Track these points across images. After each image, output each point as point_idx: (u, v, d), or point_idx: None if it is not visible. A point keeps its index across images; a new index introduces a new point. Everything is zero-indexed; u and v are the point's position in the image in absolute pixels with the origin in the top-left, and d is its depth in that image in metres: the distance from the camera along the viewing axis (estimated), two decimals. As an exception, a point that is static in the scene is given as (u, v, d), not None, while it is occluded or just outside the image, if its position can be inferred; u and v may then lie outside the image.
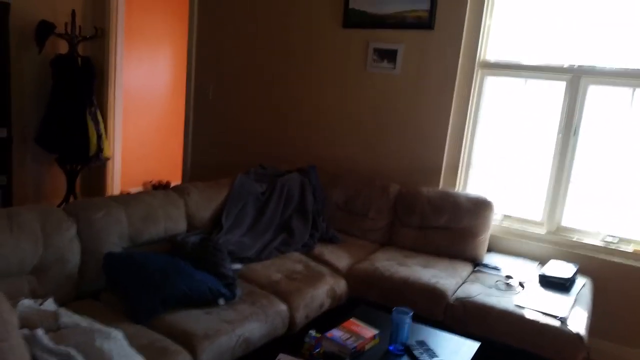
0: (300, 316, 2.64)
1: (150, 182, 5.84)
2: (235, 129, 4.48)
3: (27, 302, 1.94)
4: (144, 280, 2.30)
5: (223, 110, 4.53)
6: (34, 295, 2.17)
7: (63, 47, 4.71)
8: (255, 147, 4.39)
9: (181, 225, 2.92)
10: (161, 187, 5.81)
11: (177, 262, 2.49)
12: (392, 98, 3.75)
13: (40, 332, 1.71)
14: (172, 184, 5.90)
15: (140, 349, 1.93)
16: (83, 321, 1.92)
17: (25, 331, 1.73)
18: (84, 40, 4.74)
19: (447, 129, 3.56)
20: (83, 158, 4.72)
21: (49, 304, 2.02)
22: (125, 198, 2.74)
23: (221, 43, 4.45)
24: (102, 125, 4.79)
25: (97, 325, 1.90)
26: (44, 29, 4.50)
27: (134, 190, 5.63)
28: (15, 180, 4.39)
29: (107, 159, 4.93)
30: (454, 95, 3.52)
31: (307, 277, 2.88)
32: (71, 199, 4.87)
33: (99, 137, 4.74)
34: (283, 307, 2.57)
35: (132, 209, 2.67)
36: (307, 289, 2.76)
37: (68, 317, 1.91)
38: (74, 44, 4.63)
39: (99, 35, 4.87)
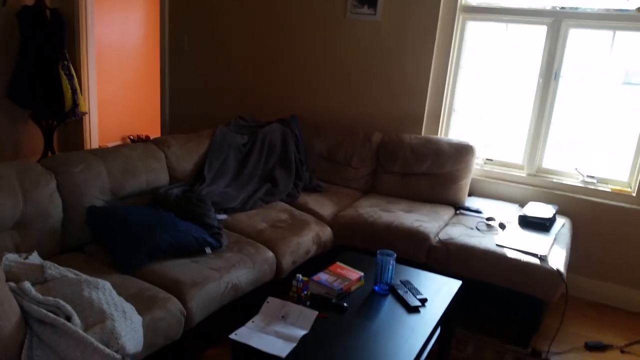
0: (287, 262, 2.68)
1: (129, 136, 5.74)
2: (214, 81, 4.38)
3: (11, 256, 1.92)
4: (128, 233, 2.29)
5: (200, 62, 4.41)
6: (17, 250, 2.15)
7: (29, -2, 4.49)
8: (234, 99, 4.31)
9: (163, 178, 2.89)
10: (140, 141, 5.70)
11: (160, 214, 2.49)
12: (373, 46, 3.68)
13: (27, 284, 1.70)
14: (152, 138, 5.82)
15: (129, 298, 1.95)
16: (69, 273, 1.92)
17: (12, 284, 1.72)
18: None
19: (429, 75, 3.53)
20: (58, 114, 4.59)
21: (34, 258, 2.01)
22: (103, 151, 2.69)
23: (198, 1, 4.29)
24: (76, 80, 4.64)
25: (84, 276, 1.90)
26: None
27: (112, 145, 5.53)
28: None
29: (84, 114, 4.81)
30: (436, 41, 3.47)
31: (292, 225, 2.91)
32: (49, 156, 4.78)
33: (74, 92, 4.60)
34: (269, 254, 2.60)
35: (111, 162, 2.62)
36: (293, 236, 2.79)
37: (54, 269, 1.90)
38: (40, -7, 4.41)
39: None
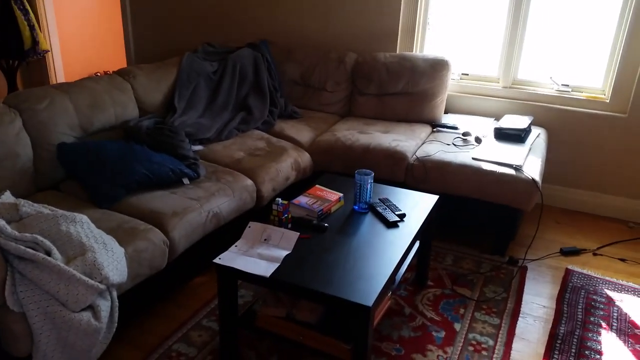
0: (267, 189, 2.68)
1: (96, 73, 5.52)
2: (179, 7, 4.16)
3: (-20, 196, 1.88)
4: (101, 167, 2.25)
5: (162, -12, 4.17)
6: (-11, 191, 2.11)
7: None
8: (200, 25, 4.12)
9: (132, 111, 2.81)
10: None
11: (133, 147, 2.44)
12: (342, -42, 3.50)
13: (1, 222, 1.68)
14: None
15: (109, 231, 1.95)
16: (45, 209, 1.90)
17: (-16, 223, 1.69)
18: None
19: (401, -12, 3.40)
20: (18, 53, 4.37)
21: (7, 197, 1.97)
22: (67, 85, 2.58)
23: None
24: (32, 16, 4.38)
25: (60, 211, 1.88)
26: None
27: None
28: (-54, 83, 4.08)
29: (46, 51, 4.58)
30: None
31: (270, 152, 2.89)
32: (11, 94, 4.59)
33: (32, 28, 4.36)
34: (249, 182, 2.60)
35: (76, 96, 2.53)
36: (271, 163, 2.77)
37: (29, 206, 1.87)
38: None
39: None
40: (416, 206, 2.26)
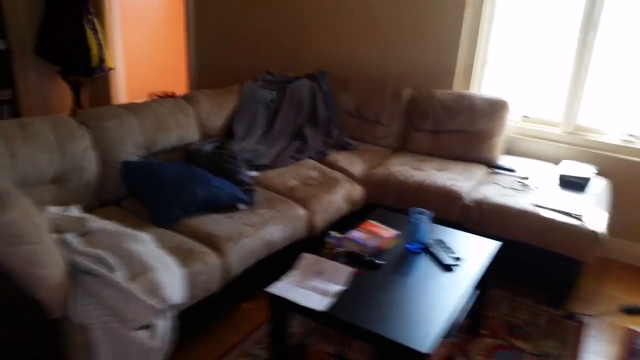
0: (319, 220, 2.68)
1: (155, 93, 5.73)
2: (239, 35, 4.29)
3: (53, 209, 1.96)
4: (163, 188, 2.31)
5: (225, 15, 4.32)
6: (56, 204, 2.18)
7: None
8: (261, 54, 4.23)
9: (193, 134, 2.88)
10: (165, 97, 5.69)
11: (193, 170, 2.49)
12: (405, -4, 3.54)
13: (70, 236, 1.73)
14: (176, 94, 5.80)
15: (167, 251, 1.98)
16: (109, 225, 1.95)
17: (56, 236, 1.75)
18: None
19: (461, 26, 3.39)
20: (86, 69, 4.59)
21: (74, 211, 2.04)
22: (134, 106, 2.68)
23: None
24: (101, 35, 4.61)
25: (125, 229, 1.92)
26: None
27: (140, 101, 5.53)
28: (20, 94, 4.31)
29: (110, 69, 4.79)
30: None
31: (323, 183, 2.89)
32: (77, 111, 4.81)
33: (100, 46, 4.58)
34: (302, 211, 2.60)
35: (142, 116, 2.62)
36: (324, 194, 2.78)
37: (94, 222, 1.93)
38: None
39: None
40: (474, 251, 2.20)
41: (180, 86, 5.75)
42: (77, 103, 4.78)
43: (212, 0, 4.33)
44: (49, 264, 1.57)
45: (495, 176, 3.07)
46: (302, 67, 4.00)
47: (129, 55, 5.27)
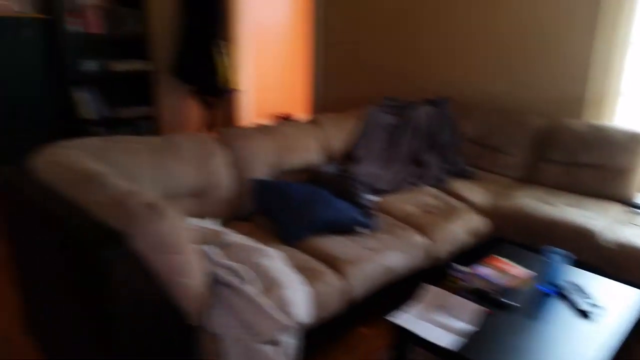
0: (441, 250, 2.61)
1: (276, 114, 6.00)
2: (362, 61, 4.38)
3: (193, 220, 2.10)
4: (291, 207, 2.40)
5: (347, 41, 4.43)
6: (194, 216, 2.35)
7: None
8: (382, 79, 4.27)
9: (317, 156, 2.97)
10: (284, 120, 5.95)
11: (319, 191, 2.56)
12: (529, 21, 3.38)
13: (210, 247, 1.85)
14: (294, 116, 6.02)
15: (292, 268, 2.03)
16: (242, 239, 2.05)
17: (198, 246, 1.88)
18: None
19: (589, 52, 3.16)
20: (214, 90, 4.93)
21: (212, 223, 2.18)
22: (266, 128, 2.83)
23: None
24: (230, 58, 4.94)
25: (256, 244, 2.01)
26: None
27: (263, 122, 5.82)
28: (158, 111, 4.73)
29: (237, 91, 5.11)
30: (600, 14, 3.08)
31: (444, 211, 2.82)
32: (207, 129, 5.17)
33: (227, 69, 4.91)
34: (422, 239, 2.55)
35: (274, 138, 2.75)
36: (445, 223, 2.71)
37: (230, 235, 2.04)
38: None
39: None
40: (614, 298, 2.01)
41: (300, 108, 5.99)
42: (208, 121, 5.15)
43: (339, 28, 4.46)
44: (191, 273, 1.69)
45: (635, 216, 2.79)
46: (423, 93, 3.97)
47: (254, 77, 5.59)
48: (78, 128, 4.21)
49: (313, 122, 3.09)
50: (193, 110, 5.29)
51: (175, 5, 4.83)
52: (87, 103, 4.25)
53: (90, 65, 4.23)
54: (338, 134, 3.12)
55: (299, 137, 2.89)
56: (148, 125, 4.68)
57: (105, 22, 4.25)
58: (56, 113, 4.05)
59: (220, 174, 2.48)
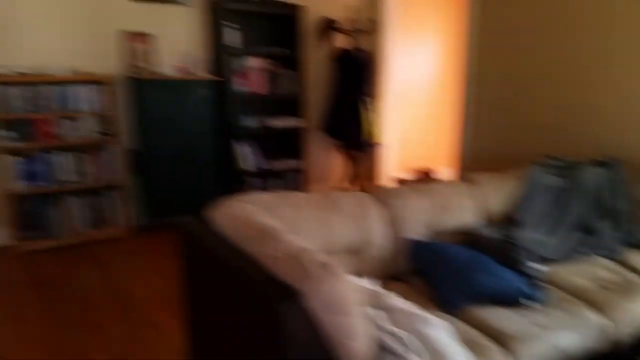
0: (621, 332, 2.29)
1: (418, 169, 5.96)
2: (518, 117, 4.18)
3: (355, 280, 2.10)
4: (450, 272, 2.29)
5: (499, 93, 4.27)
6: (349, 274, 2.35)
7: (346, 42, 5.08)
8: (541, 136, 4.01)
9: (473, 217, 2.83)
10: (426, 174, 5.87)
11: (479, 257, 2.42)
12: None
13: (375, 311, 1.82)
14: (436, 172, 5.92)
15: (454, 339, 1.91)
16: (406, 305, 1.99)
17: (362, 309, 1.85)
18: (361, 33, 5.02)
19: None
20: (358, 144, 5.05)
21: (370, 284, 2.15)
22: (421, 187, 2.78)
23: (505, 29, 4.19)
24: (374, 114, 5.05)
25: (417, 310, 1.94)
26: (326, 25, 4.92)
27: (405, 176, 5.82)
28: (307, 164, 4.96)
29: (379, 145, 5.18)
30: None
31: (623, 288, 2.49)
32: (350, 182, 5.29)
33: (372, 124, 5.01)
34: (599, 319, 2.27)
35: (428, 197, 2.69)
36: (626, 302, 2.38)
37: (391, 298, 2.00)
38: (354, 38, 4.95)
39: (374, 28, 5.11)
40: None
41: (444, 163, 5.89)
42: (352, 174, 5.27)
43: (493, 82, 4.34)
44: (358, 336, 1.66)
45: None
46: (587, 153, 3.65)
47: (398, 132, 5.64)
48: (237, 178, 4.56)
49: (468, 180, 2.98)
50: (337, 163, 5.46)
51: (329, 67, 5.12)
52: (245, 155, 4.60)
53: (250, 121, 4.60)
54: (496, 194, 2.96)
55: (455, 197, 2.80)
56: (297, 177, 4.92)
57: (266, 83, 4.62)
58: (219, 162, 4.43)
59: (376, 232, 2.47)
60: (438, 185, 2.83)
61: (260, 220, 1.98)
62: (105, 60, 4.03)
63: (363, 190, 4.80)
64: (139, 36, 4.12)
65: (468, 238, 2.72)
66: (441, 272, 2.31)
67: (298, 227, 2.23)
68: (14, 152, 3.72)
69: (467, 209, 2.80)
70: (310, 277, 1.59)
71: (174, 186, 4.24)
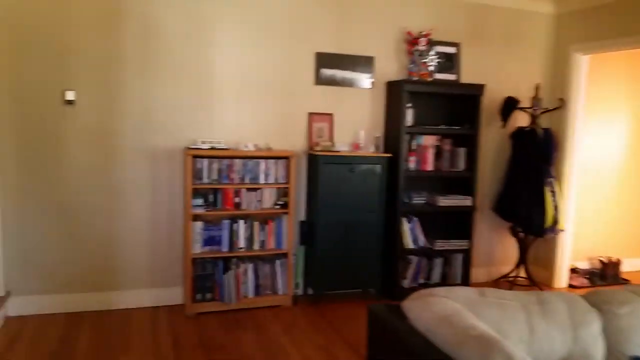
0: None
1: (598, 257, 5.30)
2: None
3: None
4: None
5: None
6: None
7: (524, 120, 4.83)
8: None
9: None
10: (610, 264, 5.17)
11: None
12: None
13: None
14: (620, 263, 5.20)
15: None
16: None
17: None
18: (546, 112, 4.74)
19: None
20: (538, 229, 4.63)
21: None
22: (641, 291, 2.38)
23: None
24: (558, 197, 4.62)
25: None
26: (509, 104, 4.73)
27: (580, 264, 5.20)
28: (473, 245, 4.66)
29: (561, 231, 4.70)
30: None
31: None
32: (517, 269, 4.84)
33: (556, 209, 4.58)
34: None
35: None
36: None
37: None
38: (536, 116, 4.67)
39: (561, 106, 4.79)
40: None
41: (627, 252, 5.20)
42: (523, 259, 4.83)
43: None
44: None
45: None
46: None
47: (579, 216, 5.11)
48: (401, 255, 4.42)
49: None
50: (507, 246, 5.07)
51: (504, 146, 4.87)
52: (409, 232, 4.47)
53: (418, 199, 4.49)
54: None
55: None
56: (462, 258, 4.63)
57: (437, 161, 4.52)
58: (385, 239, 4.35)
59: (593, 345, 2.12)
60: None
61: (468, 325, 1.81)
62: (290, 137, 4.28)
63: (530, 276, 4.36)
64: (320, 115, 4.33)
65: None
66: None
67: (505, 331, 2.01)
68: (200, 219, 4.01)
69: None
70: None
71: (339, 259, 4.22)
